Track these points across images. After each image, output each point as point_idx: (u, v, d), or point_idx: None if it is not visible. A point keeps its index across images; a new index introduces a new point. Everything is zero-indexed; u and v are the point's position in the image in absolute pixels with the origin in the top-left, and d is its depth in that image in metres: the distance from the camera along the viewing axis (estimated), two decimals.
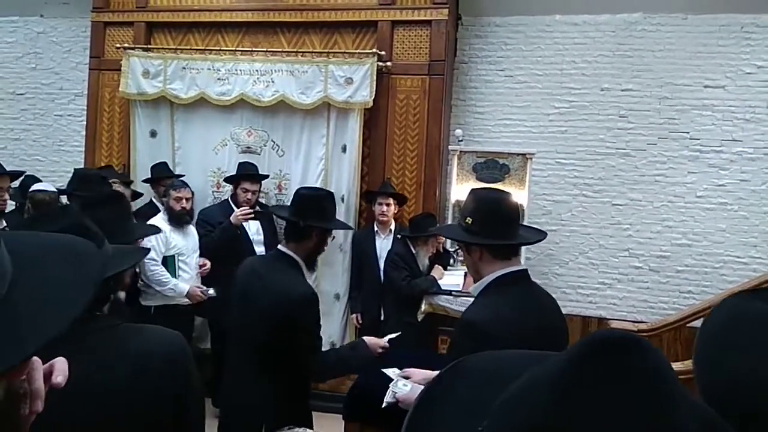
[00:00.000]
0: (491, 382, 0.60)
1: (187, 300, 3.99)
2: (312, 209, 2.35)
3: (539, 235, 2.04)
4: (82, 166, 5.01)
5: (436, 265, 4.23)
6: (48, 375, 0.66)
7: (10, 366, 0.52)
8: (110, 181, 4.05)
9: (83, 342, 1.19)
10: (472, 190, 2.06)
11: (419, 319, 4.11)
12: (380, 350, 2.37)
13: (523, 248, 4.50)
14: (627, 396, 0.47)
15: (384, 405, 2.14)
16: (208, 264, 4.12)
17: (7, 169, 3.66)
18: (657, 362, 0.50)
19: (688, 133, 4.91)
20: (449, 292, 4.06)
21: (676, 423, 0.48)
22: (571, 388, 0.49)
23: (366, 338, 2.48)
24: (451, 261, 4.54)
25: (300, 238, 2.35)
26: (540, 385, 0.50)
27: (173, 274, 3.96)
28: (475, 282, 1.93)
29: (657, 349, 0.52)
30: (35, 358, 0.63)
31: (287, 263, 2.33)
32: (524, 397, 0.51)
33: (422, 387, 2.16)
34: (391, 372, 2.51)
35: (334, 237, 2.52)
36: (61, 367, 0.68)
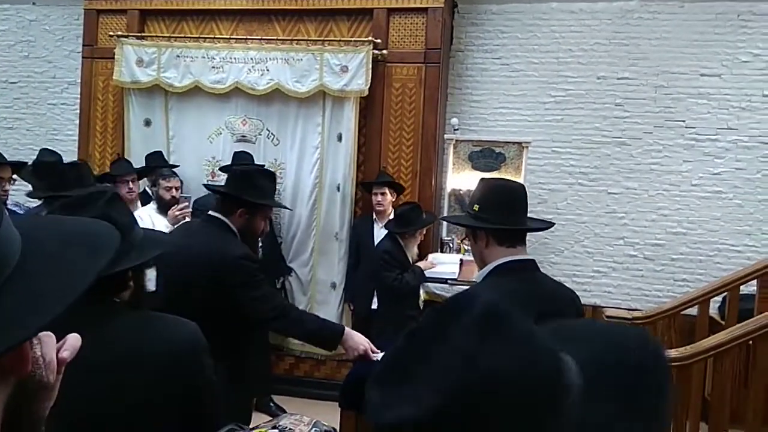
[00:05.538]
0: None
1: None
2: (243, 184, 2.29)
3: (545, 224, 2.03)
4: (76, 155, 4.98)
5: (419, 262, 4.15)
6: (59, 349, 0.66)
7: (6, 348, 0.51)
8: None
9: (93, 327, 1.18)
10: (482, 179, 2.05)
11: (421, 308, 4.10)
12: (362, 348, 2.31)
13: None
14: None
15: None
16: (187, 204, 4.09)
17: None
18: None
19: (683, 121, 4.91)
20: (445, 281, 4.06)
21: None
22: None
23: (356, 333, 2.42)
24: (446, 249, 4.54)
25: (227, 211, 2.29)
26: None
27: None
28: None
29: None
30: (47, 332, 0.63)
31: (222, 228, 2.28)
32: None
33: None
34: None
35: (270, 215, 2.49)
36: (72, 342, 0.69)
